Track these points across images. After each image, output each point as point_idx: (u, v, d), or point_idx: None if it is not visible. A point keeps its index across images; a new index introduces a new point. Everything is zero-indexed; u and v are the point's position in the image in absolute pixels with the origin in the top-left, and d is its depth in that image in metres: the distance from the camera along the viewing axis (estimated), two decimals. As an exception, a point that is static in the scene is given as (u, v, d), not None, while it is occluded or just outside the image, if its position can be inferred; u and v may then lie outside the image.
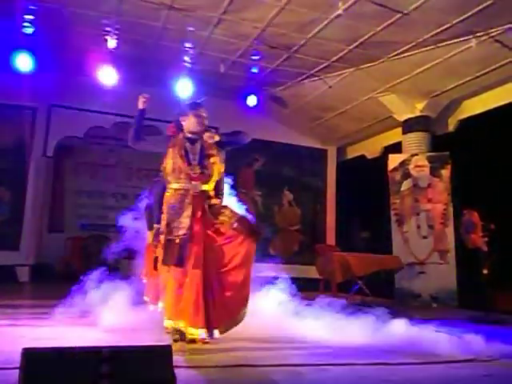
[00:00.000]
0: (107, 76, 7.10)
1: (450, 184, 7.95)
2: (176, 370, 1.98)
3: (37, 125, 8.37)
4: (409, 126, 8.36)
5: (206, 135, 3.45)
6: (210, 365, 2.72)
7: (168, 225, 3.22)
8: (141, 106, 3.46)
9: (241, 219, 3.41)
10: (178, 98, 7.38)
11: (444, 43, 6.34)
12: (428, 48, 6.51)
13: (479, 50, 6.16)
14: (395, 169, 8.46)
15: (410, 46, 6.50)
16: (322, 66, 7.48)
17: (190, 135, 3.45)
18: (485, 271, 5.82)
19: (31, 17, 6.18)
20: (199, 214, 3.29)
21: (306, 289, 5.82)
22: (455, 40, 6.23)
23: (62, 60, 7.53)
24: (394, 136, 9.22)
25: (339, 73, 7.66)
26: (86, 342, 2.94)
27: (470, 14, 5.56)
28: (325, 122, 9.57)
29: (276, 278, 4.46)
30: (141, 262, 3.85)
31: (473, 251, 6.07)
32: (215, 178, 3.43)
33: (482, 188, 7.19)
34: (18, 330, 3.51)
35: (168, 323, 3.15)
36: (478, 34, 6.00)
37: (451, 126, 8.26)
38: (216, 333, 3.15)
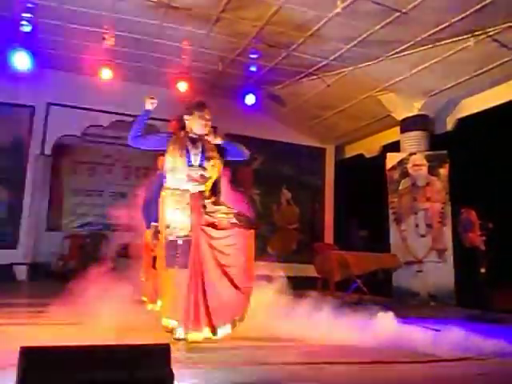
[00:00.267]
0: (106, 75, 7.09)
1: (448, 183, 7.96)
2: (174, 369, 1.98)
3: (35, 123, 8.35)
4: (407, 124, 8.37)
5: (209, 136, 3.43)
6: (208, 364, 2.72)
7: (168, 226, 3.20)
8: (149, 106, 3.39)
9: (238, 214, 3.41)
10: (177, 96, 7.38)
11: (442, 42, 6.35)
12: (426, 47, 6.51)
13: (477, 49, 6.17)
14: (393, 168, 8.46)
15: (409, 44, 6.50)
16: (320, 65, 7.48)
17: (192, 135, 3.42)
18: (482, 270, 5.84)
19: (29, 15, 6.16)
20: (197, 213, 3.28)
21: (304, 287, 5.82)
22: (454, 39, 6.23)
23: (59, 58, 7.51)
24: (393, 135, 9.22)
25: (338, 71, 7.66)
26: (84, 341, 2.94)
27: (468, 13, 5.56)
28: (323, 120, 9.57)
29: (272, 277, 4.46)
30: (138, 260, 3.84)
31: (471, 250, 6.09)
32: (213, 179, 3.42)
33: (479, 187, 7.19)
34: (16, 328, 3.51)
35: (166, 322, 3.15)
36: (477, 34, 6.01)
37: (449, 125, 8.26)
38: (219, 332, 3.14)
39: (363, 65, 7.30)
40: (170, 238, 3.17)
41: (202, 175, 3.31)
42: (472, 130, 7.80)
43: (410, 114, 8.23)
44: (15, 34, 6.47)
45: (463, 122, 8.07)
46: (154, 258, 3.32)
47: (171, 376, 1.95)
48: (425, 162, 8.15)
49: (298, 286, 4.90)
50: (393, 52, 6.79)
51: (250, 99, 8.37)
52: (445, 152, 8.05)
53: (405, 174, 8.32)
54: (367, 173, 9.27)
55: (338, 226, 10.53)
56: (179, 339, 3.06)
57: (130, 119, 8.61)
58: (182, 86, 7.52)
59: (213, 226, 3.31)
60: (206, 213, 3.31)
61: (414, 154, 8.26)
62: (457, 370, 2.98)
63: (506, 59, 6.48)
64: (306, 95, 8.63)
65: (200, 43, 6.98)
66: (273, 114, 9.66)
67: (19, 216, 8.15)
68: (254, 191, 9.81)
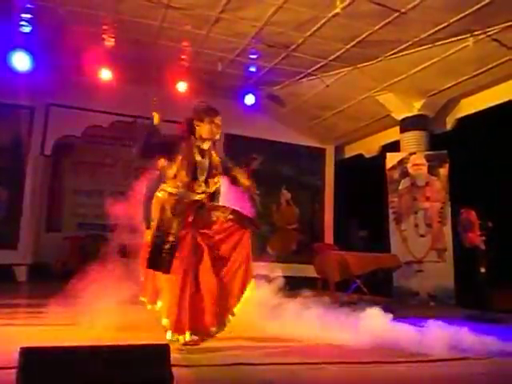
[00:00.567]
0: (105, 76, 7.11)
1: (448, 183, 7.97)
2: (174, 369, 1.98)
3: (35, 124, 8.35)
4: (406, 124, 8.38)
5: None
6: (207, 364, 2.72)
7: (158, 228, 3.18)
8: (157, 121, 3.30)
9: (235, 211, 3.39)
10: (176, 96, 7.39)
11: (441, 42, 6.35)
12: (425, 47, 6.52)
13: (476, 49, 6.17)
14: (393, 167, 8.47)
15: (408, 44, 6.51)
16: (319, 65, 7.48)
17: (201, 145, 3.37)
18: (482, 269, 5.85)
19: (28, 16, 6.17)
20: (191, 218, 3.25)
21: (303, 288, 5.81)
22: (452, 39, 6.24)
23: (59, 59, 7.51)
24: (392, 135, 9.23)
25: (337, 72, 7.66)
26: (84, 341, 2.94)
27: (467, 12, 5.57)
28: (323, 121, 9.58)
29: (270, 277, 4.46)
30: (138, 260, 3.84)
31: (470, 250, 6.09)
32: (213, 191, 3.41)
33: (479, 187, 7.20)
34: (16, 329, 3.51)
35: (166, 322, 3.15)
36: (476, 33, 6.02)
37: (449, 124, 8.27)
38: (199, 336, 3.10)
39: (362, 65, 7.31)
40: (157, 241, 3.16)
41: (203, 192, 3.31)
42: (471, 129, 7.81)
43: (410, 114, 8.24)
44: (15, 34, 6.49)
45: (463, 121, 8.08)
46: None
47: (171, 376, 1.95)
48: (424, 161, 8.15)
49: (298, 287, 4.91)
50: (392, 52, 6.80)
51: (250, 99, 8.39)
52: (444, 152, 8.06)
53: (404, 174, 8.32)
54: (367, 173, 9.28)
55: (337, 226, 10.53)
56: (171, 341, 3.05)
57: (130, 120, 8.68)
58: (182, 87, 7.53)
59: (209, 224, 3.30)
60: (201, 214, 3.30)
61: (414, 153, 8.26)
62: (459, 369, 2.98)
63: (505, 59, 6.48)
64: (306, 95, 8.63)
65: (199, 43, 6.99)
66: (272, 115, 9.66)
67: (19, 216, 8.14)
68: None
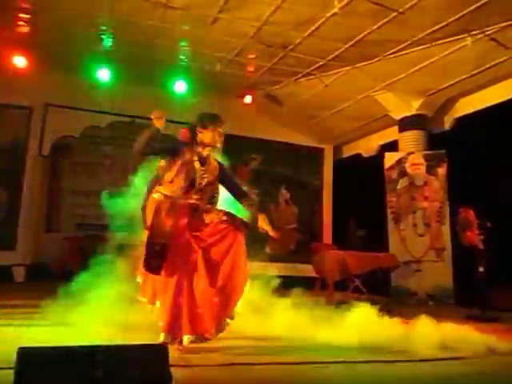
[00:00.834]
0: (104, 76, 7.12)
1: (446, 182, 7.97)
2: (172, 369, 1.98)
3: (33, 124, 8.34)
4: (405, 124, 8.39)
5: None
6: (206, 364, 2.72)
7: (151, 229, 3.18)
8: (159, 124, 3.23)
9: (229, 214, 3.39)
10: (175, 96, 7.40)
11: (440, 42, 6.36)
12: (424, 46, 6.52)
13: (475, 49, 6.19)
14: (392, 167, 8.47)
15: (406, 44, 6.51)
16: (318, 65, 7.48)
17: (202, 152, 3.37)
18: (481, 269, 5.83)
19: (26, 16, 6.16)
20: (185, 220, 3.25)
21: (302, 287, 5.80)
22: (451, 38, 6.25)
23: (57, 59, 7.51)
24: (391, 134, 9.24)
25: (335, 71, 7.66)
26: (82, 342, 2.94)
27: (465, 12, 5.58)
28: (321, 120, 9.58)
29: (267, 276, 4.45)
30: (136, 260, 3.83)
31: (469, 249, 6.08)
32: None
33: (477, 186, 7.20)
34: (15, 330, 3.51)
35: (161, 324, 3.15)
36: (474, 33, 6.02)
37: (447, 124, 8.29)
38: (193, 339, 3.08)
39: (361, 64, 7.31)
40: (150, 242, 3.15)
41: (200, 198, 3.31)
42: (470, 129, 7.82)
43: (408, 114, 8.25)
44: (13, 34, 6.48)
45: (461, 121, 8.09)
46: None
47: (169, 376, 1.95)
48: (423, 161, 8.16)
49: (297, 286, 4.90)
50: (390, 51, 6.80)
51: (248, 99, 8.39)
52: (443, 151, 8.07)
53: (403, 174, 8.33)
54: (365, 172, 9.28)
55: (336, 225, 10.54)
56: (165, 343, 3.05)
57: (128, 120, 8.67)
58: (181, 87, 7.53)
59: (203, 226, 3.29)
60: (197, 215, 3.29)
61: (412, 153, 8.27)
62: (456, 368, 2.99)
63: (503, 58, 6.49)
64: (304, 95, 8.63)
65: (198, 43, 6.98)
66: (271, 114, 9.66)
67: (17, 217, 8.13)
68: (252, 191, 9.80)
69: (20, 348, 1.82)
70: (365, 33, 6.29)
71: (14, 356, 1.80)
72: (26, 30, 6.28)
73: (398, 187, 8.36)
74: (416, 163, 8.21)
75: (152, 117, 3.24)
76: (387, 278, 8.14)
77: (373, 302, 4.35)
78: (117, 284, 3.91)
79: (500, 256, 6.43)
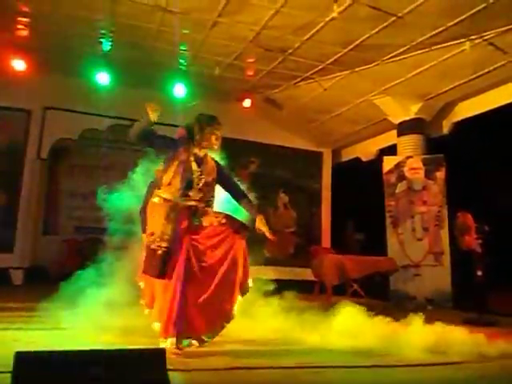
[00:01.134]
0: (102, 79, 7.13)
1: (445, 186, 7.98)
2: (170, 373, 1.98)
3: (31, 127, 8.34)
4: (404, 128, 8.40)
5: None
6: (204, 368, 2.72)
7: (152, 233, 3.18)
8: (154, 119, 3.23)
9: (228, 216, 3.39)
10: (174, 100, 7.40)
11: (438, 46, 6.37)
12: (422, 51, 6.54)
13: (473, 53, 6.20)
14: (390, 171, 8.48)
15: (405, 48, 6.53)
16: (317, 69, 7.50)
17: (199, 153, 3.37)
18: (479, 273, 5.83)
19: (25, 19, 6.17)
20: (185, 223, 3.25)
21: (301, 291, 5.80)
22: (449, 43, 6.26)
23: (56, 62, 7.51)
24: (389, 138, 9.25)
25: (334, 75, 7.68)
26: (80, 346, 2.93)
27: (463, 17, 5.59)
28: (320, 124, 9.59)
29: (265, 280, 4.45)
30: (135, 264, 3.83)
31: (467, 253, 6.08)
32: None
33: (475, 190, 7.22)
34: (12, 333, 3.49)
35: (157, 326, 3.15)
36: (472, 37, 6.04)
37: (446, 128, 8.29)
38: (192, 342, 3.10)
39: (359, 69, 7.33)
40: (152, 246, 3.16)
41: (199, 197, 3.30)
42: (468, 133, 7.85)
43: (407, 118, 8.25)
44: (12, 37, 6.49)
45: (459, 125, 8.10)
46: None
47: (167, 380, 1.95)
48: (421, 165, 8.17)
49: (295, 290, 4.90)
50: (389, 56, 6.82)
51: (247, 103, 8.41)
52: (441, 155, 8.08)
53: (401, 178, 8.34)
54: (364, 176, 9.29)
55: (335, 229, 10.54)
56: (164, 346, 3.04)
57: (127, 123, 8.66)
58: (180, 90, 7.53)
59: (202, 229, 3.29)
60: (195, 220, 3.29)
61: (411, 157, 8.28)
62: (457, 372, 2.99)
63: (501, 63, 6.51)
64: (303, 99, 8.65)
65: (197, 47, 7.00)
66: (270, 118, 9.67)
67: (15, 220, 8.12)
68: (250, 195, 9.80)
69: (17, 352, 1.82)
70: (364, 37, 6.31)
71: (12, 360, 1.80)
72: (25, 33, 6.28)
73: (397, 191, 8.36)
74: (414, 167, 8.21)
75: (147, 108, 3.23)
76: (386, 282, 8.14)
77: (371, 306, 4.36)
78: (115, 287, 3.91)
79: (498, 260, 6.44)
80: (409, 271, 7.91)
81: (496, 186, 7.41)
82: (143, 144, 3.39)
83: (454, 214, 6.71)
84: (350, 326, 3.88)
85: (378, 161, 9.15)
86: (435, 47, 6.40)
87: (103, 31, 6.50)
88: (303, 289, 7.70)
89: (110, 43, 6.61)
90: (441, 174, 8.02)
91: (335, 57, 7.00)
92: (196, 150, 3.37)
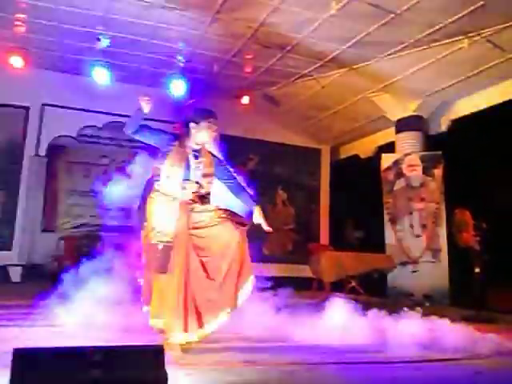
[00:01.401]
0: (100, 76, 7.11)
1: (443, 183, 7.99)
2: (168, 370, 1.98)
3: (29, 124, 8.33)
4: (402, 125, 8.41)
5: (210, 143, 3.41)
6: (202, 364, 2.73)
7: (152, 229, 3.18)
8: (146, 110, 3.23)
9: (227, 211, 3.39)
10: (172, 97, 7.39)
11: (436, 43, 6.37)
12: (421, 48, 6.54)
13: (471, 51, 6.20)
14: (388, 168, 8.49)
15: (403, 46, 6.53)
16: (315, 66, 7.49)
17: (195, 146, 3.37)
18: (477, 270, 5.85)
19: (23, 15, 6.15)
20: (184, 218, 3.26)
21: (299, 288, 5.83)
22: (448, 40, 6.26)
23: (54, 59, 7.50)
24: (387, 136, 9.26)
25: (332, 73, 7.67)
26: (78, 342, 2.94)
27: (462, 14, 5.60)
28: (318, 121, 9.59)
29: (265, 277, 4.46)
30: (133, 261, 3.83)
31: (465, 250, 6.10)
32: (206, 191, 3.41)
33: (473, 187, 7.23)
34: (11, 330, 3.50)
35: (152, 322, 3.16)
36: (470, 35, 6.04)
37: (444, 125, 8.30)
38: (199, 335, 3.11)
39: (358, 66, 7.32)
40: (152, 242, 3.16)
41: (197, 190, 3.31)
42: (466, 130, 7.85)
43: (405, 115, 8.26)
44: (9, 34, 6.47)
45: (457, 122, 8.11)
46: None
47: (165, 377, 1.95)
48: (419, 162, 8.18)
49: (293, 287, 4.91)
50: (387, 53, 6.82)
51: (246, 100, 8.40)
52: (439, 153, 8.09)
53: (400, 175, 8.35)
54: (362, 173, 9.30)
55: (333, 226, 10.56)
56: (168, 341, 3.05)
57: (126, 120, 8.63)
58: (178, 87, 7.52)
59: (201, 224, 3.30)
60: (194, 215, 3.29)
61: (409, 154, 8.29)
62: (454, 369, 3.00)
63: (499, 60, 6.52)
64: (301, 96, 8.64)
65: (195, 44, 6.98)
66: (268, 115, 9.66)
67: (14, 217, 8.12)
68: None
69: (15, 349, 1.82)
70: (362, 34, 6.30)
71: (10, 357, 1.80)
72: (22, 29, 6.27)
73: (395, 188, 8.38)
74: (413, 164, 8.22)
75: (140, 100, 3.22)
76: (384, 278, 8.16)
77: (368, 303, 4.38)
78: (113, 284, 3.92)
79: (496, 257, 6.46)
80: (406, 268, 7.94)
81: (494, 183, 7.41)
82: (139, 138, 3.40)
83: (451, 210, 6.72)
84: (345, 323, 3.90)
85: (376, 158, 9.16)
86: (433, 44, 6.40)
87: (101, 27, 6.48)
88: (301, 286, 7.73)
89: (108, 40, 6.58)
90: (439, 171, 8.04)
91: (333, 54, 7.00)
92: (193, 144, 3.37)
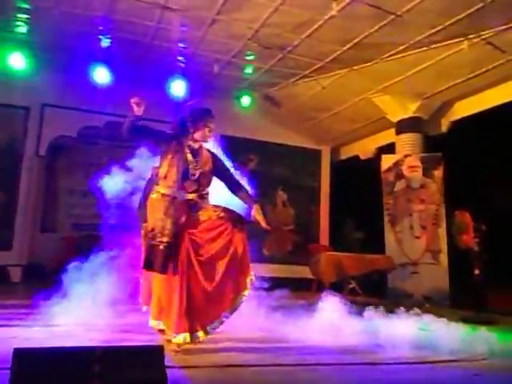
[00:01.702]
0: (101, 76, 7.12)
1: (443, 185, 7.99)
2: (168, 370, 1.99)
3: (29, 124, 8.33)
4: (402, 126, 8.40)
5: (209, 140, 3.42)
6: (202, 365, 2.73)
7: (152, 229, 3.19)
8: (139, 112, 3.23)
9: (226, 210, 3.39)
10: (172, 97, 7.39)
11: (437, 45, 6.38)
12: (421, 49, 6.54)
13: (471, 52, 6.21)
14: (388, 169, 8.49)
15: (403, 47, 6.53)
16: (315, 67, 7.49)
17: (193, 145, 3.39)
18: (476, 271, 5.85)
19: (24, 16, 6.15)
20: (183, 218, 3.25)
21: (299, 289, 5.83)
22: (448, 42, 6.27)
23: (54, 59, 7.49)
24: (388, 137, 9.26)
25: (333, 73, 7.68)
26: (78, 342, 2.94)
27: (462, 16, 5.60)
28: (318, 122, 9.59)
29: (265, 278, 4.47)
30: (133, 261, 3.84)
31: (464, 252, 6.10)
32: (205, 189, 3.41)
33: (473, 189, 7.23)
34: (11, 330, 3.50)
35: (153, 323, 3.16)
36: (470, 36, 6.05)
37: (444, 127, 8.31)
38: (199, 334, 3.12)
39: (358, 67, 7.33)
40: (152, 242, 3.16)
41: (196, 190, 3.31)
42: (466, 132, 7.86)
43: (405, 116, 8.26)
44: (11, 34, 6.47)
45: (457, 124, 8.11)
46: None
47: (165, 377, 1.95)
48: (419, 163, 8.18)
49: (293, 288, 4.92)
50: (388, 54, 6.82)
51: (246, 101, 8.40)
52: (439, 154, 8.09)
53: (400, 176, 8.35)
54: (362, 175, 9.30)
55: (333, 227, 10.55)
56: (169, 341, 3.06)
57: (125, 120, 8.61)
58: (178, 88, 7.52)
59: (200, 223, 3.30)
60: (193, 214, 3.30)
61: (409, 155, 8.29)
62: (453, 370, 3.00)
63: (499, 62, 6.52)
64: (302, 97, 8.65)
65: (196, 45, 6.99)
66: (268, 116, 9.67)
67: (13, 217, 8.11)
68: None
69: (15, 349, 1.82)
70: (362, 35, 6.30)
71: (10, 357, 1.80)
72: (23, 29, 6.27)
73: (395, 189, 8.38)
74: (413, 166, 8.22)
75: (131, 102, 3.23)
76: (384, 279, 8.16)
77: (368, 304, 4.38)
78: (113, 284, 3.92)
79: (495, 259, 6.46)
80: (406, 269, 7.93)
81: (494, 185, 7.41)
82: (136, 139, 3.41)
83: (451, 212, 6.73)
84: (342, 323, 3.91)
85: (376, 159, 9.15)
86: (434, 46, 6.41)
87: (102, 28, 6.48)
88: (301, 286, 7.73)
89: (108, 40, 6.59)
90: (439, 173, 8.04)
91: (334, 55, 7.00)
92: (190, 143, 3.38)
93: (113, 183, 4.19)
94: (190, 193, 3.31)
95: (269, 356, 3.08)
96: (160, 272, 3.12)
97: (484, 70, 6.77)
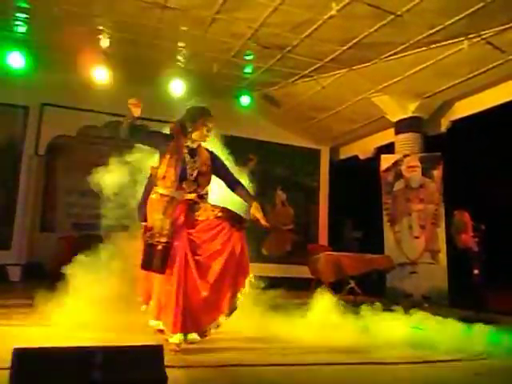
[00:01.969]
0: (100, 75, 7.12)
1: (442, 184, 8.00)
2: (168, 370, 1.99)
3: (29, 123, 8.33)
4: (401, 126, 8.41)
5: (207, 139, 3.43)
6: (202, 365, 2.73)
7: (151, 229, 3.19)
8: (137, 114, 3.25)
9: (225, 209, 3.39)
10: (172, 97, 7.39)
11: (436, 45, 6.38)
12: (420, 49, 6.54)
13: (471, 52, 6.21)
14: (388, 169, 8.49)
15: (403, 47, 6.54)
16: (315, 67, 7.50)
17: (191, 145, 3.39)
18: (475, 271, 5.85)
19: (24, 15, 6.15)
20: (182, 218, 3.25)
21: (298, 288, 5.83)
22: (447, 41, 6.27)
23: (54, 59, 7.48)
24: (387, 136, 9.26)
25: (332, 73, 7.68)
26: (78, 342, 2.94)
27: (461, 16, 5.60)
28: (318, 122, 9.60)
29: (264, 278, 4.47)
30: (133, 261, 3.83)
31: (463, 251, 6.11)
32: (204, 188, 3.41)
33: (472, 188, 7.24)
34: (10, 329, 3.50)
35: (153, 323, 3.16)
36: (470, 36, 6.05)
37: (443, 126, 8.31)
38: (194, 336, 3.11)
39: (358, 67, 7.33)
40: (151, 242, 3.16)
41: (194, 190, 3.31)
42: (465, 131, 7.86)
43: (405, 116, 8.26)
44: (10, 33, 6.47)
45: (457, 123, 8.12)
46: None
47: (165, 377, 1.95)
48: (418, 163, 8.18)
49: (292, 287, 4.92)
50: (387, 54, 6.83)
51: (245, 100, 8.41)
52: (438, 154, 8.09)
53: (399, 176, 8.35)
54: (361, 174, 9.31)
55: (332, 227, 10.56)
56: (168, 341, 3.06)
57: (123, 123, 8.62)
58: (177, 87, 7.52)
59: (199, 223, 3.30)
60: (192, 214, 3.30)
61: (408, 155, 8.29)
62: (453, 370, 3.01)
63: (499, 62, 6.52)
64: (301, 97, 8.65)
65: (195, 44, 6.98)
66: (268, 116, 9.67)
67: (13, 216, 8.11)
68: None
69: (15, 348, 1.82)
70: (362, 35, 6.31)
71: (10, 356, 1.80)
72: (22, 29, 6.26)
73: (394, 189, 8.38)
74: (412, 165, 8.23)
75: (129, 103, 3.24)
76: (383, 279, 8.17)
77: (367, 303, 4.39)
78: (112, 284, 3.91)
79: (494, 258, 6.46)
80: (405, 269, 7.94)
81: (493, 185, 7.42)
82: (135, 141, 3.42)
83: (450, 212, 6.73)
84: (340, 323, 3.92)
85: (375, 159, 9.16)
86: (433, 46, 6.41)
87: (101, 27, 6.48)
88: (300, 286, 7.73)
89: (108, 40, 6.58)
90: (438, 173, 8.04)
91: (333, 55, 7.00)
92: (188, 142, 3.38)
93: (112, 183, 4.19)
94: (189, 193, 3.31)
95: (268, 356, 3.08)
96: (159, 272, 3.13)
97: (484, 69, 6.78)
